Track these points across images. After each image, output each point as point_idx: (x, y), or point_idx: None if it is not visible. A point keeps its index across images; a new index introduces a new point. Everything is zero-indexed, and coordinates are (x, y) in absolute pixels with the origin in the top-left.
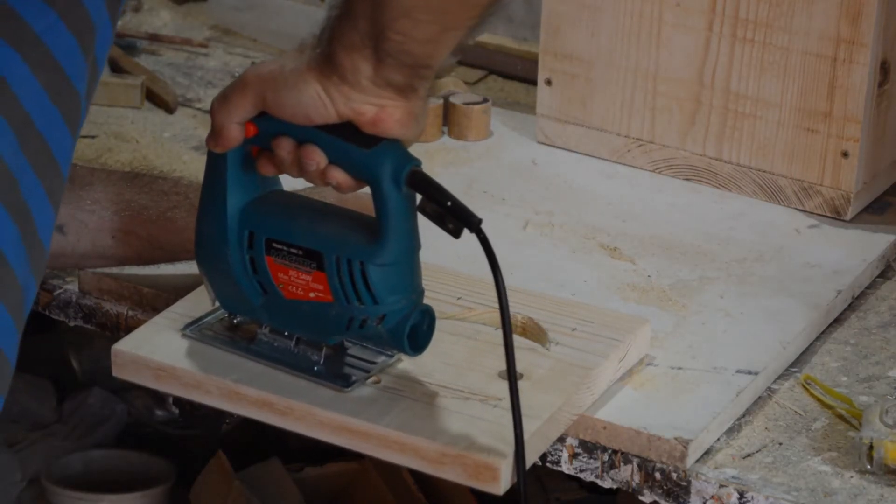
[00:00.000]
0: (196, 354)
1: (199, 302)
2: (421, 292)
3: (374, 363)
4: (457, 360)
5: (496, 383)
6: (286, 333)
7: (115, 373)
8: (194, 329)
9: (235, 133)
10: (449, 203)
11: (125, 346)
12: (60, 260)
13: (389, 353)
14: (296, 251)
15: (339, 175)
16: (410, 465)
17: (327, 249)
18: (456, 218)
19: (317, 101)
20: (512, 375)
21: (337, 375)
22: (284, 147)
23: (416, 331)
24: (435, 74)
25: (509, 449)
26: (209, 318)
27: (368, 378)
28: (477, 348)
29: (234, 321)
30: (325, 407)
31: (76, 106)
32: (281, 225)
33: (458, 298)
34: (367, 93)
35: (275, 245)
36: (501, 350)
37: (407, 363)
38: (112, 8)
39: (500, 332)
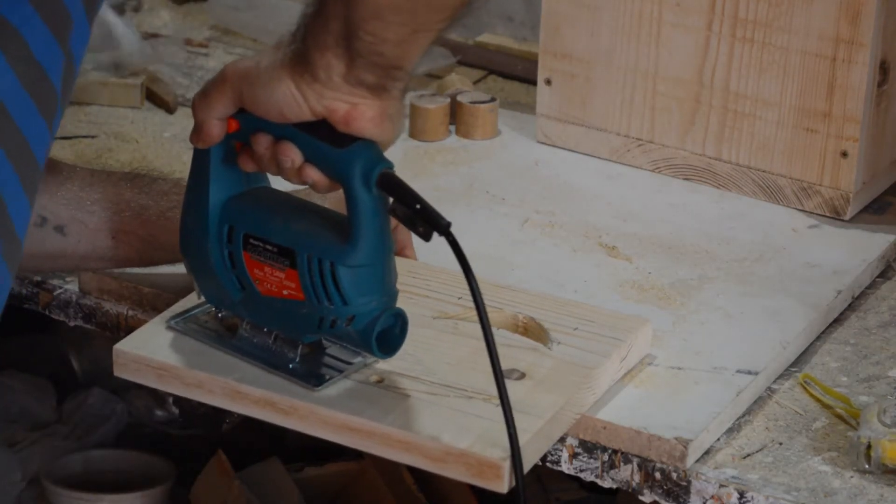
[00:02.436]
0: (198, 354)
1: (199, 303)
2: (393, 295)
3: (350, 363)
4: (459, 360)
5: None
6: (266, 329)
7: (117, 372)
8: (179, 321)
9: (216, 129)
10: (418, 206)
11: (127, 345)
12: (61, 261)
13: (363, 356)
14: (271, 248)
15: (313, 174)
16: (414, 464)
17: (300, 247)
18: (425, 221)
19: (290, 99)
20: (499, 377)
21: (310, 374)
22: (262, 143)
23: (387, 334)
24: (439, 76)
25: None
26: (196, 311)
27: (341, 377)
28: (479, 347)
29: (219, 315)
30: (328, 406)
31: (53, 99)
32: (259, 221)
33: (459, 298)
34: (339, 90)
35: (252, 241)
36: (503, 349)
37: (410, 362)
38: (89, 6)
39: (502, 332)
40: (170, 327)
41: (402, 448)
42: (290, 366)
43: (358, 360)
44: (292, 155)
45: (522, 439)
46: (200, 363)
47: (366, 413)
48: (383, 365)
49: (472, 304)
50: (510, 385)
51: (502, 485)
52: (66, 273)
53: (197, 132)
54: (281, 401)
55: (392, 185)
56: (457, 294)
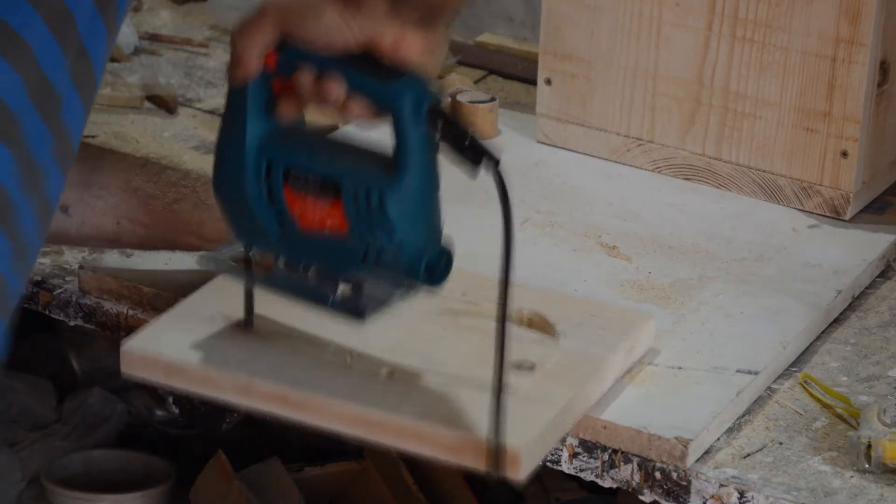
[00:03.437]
0: (207, 350)
1: (206, 300)
2: (439, 232)
3: (389, 299)
4: (468, 354)
5: (509, 373)
6: (302, 268)
7: (125, 369)
8: (210, 259)
9: (255, 62)
10: (467, 142)
11: (134, 343)
12: (62, 239)
13: (405, 289)
14: (313, 180)
15: (359, 108)
16: (429, 455)
17: (345, 178)
18: (474, 153)
19: (335, 28)
20: (502, 337)
21: (352, 308)
22: (306, 77)
23: (433, 266)
24: (439, 76)
25: (528, 436)
26: (226, 252)
27: (384, 308)
28: (486, 342)
29: (250, 254)
30: (341, 399)
31: (54, 102)
32: (300, 154)
33: (463, 294)
34: (384, 22)
35: (293, 174)
36: (510, 343)
37: (419, 357)
38: (102, 4)
39: (509, 326)
40: (200, 262)
41: (416, 439)
42: (330, 301)
43: (399, 292)
44: (337, 88)
45: (536, 430)
46: (210, 359)
47: (379, 405)
48: (393, 359)
49: (475, 301)
50: (521, 376)
51: (519, 473)
52: (65, 272)
53: (235, 64)
54: (293, 395)
55: (441, 118)
56: (460, 290)
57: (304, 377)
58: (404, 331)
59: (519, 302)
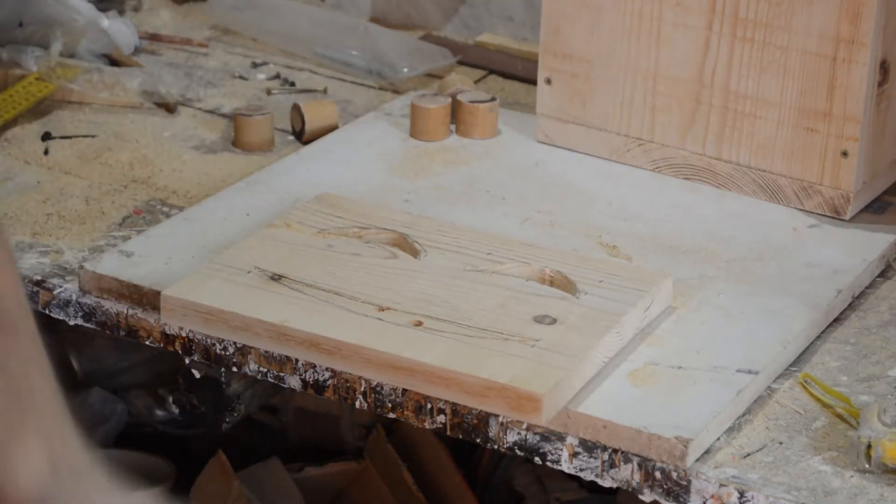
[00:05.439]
0: (244, 298)
1: (242, 254)
2: None
3: None
4: (493, 307)
5: (532, 326)
6: None
7: (164, 318)
8: None
9: None
10: None
11: (174, 291)
12: None
13: None
14: None
15: None
16: (455, 400)
17: None
18: None
19: None
20: None
21: None
22: None
23: None
24: (439, 76)
25: (551, 382)
26: None
27: None
28: (510, 297)
29: None
30: (372, 345)
31: None
32: None
33: (489, 254)
34: None
35: None
36: (534, 298)
37: (446, 308)
38: None
39: (531, 284)
40: None
41: (443, 385)
42: None
43: None
44: None
45: (559, 377)
46: (247, 306)
47: (408, 351)
48: (421, 310)
49: (500, 259)
50: (544, 329)
51: (540, 417)
52: (65, 272)
53: None
54: (326, 341)
55: None
56: (485, 250)
57: (336, 324)
58: (432, 285)
59: (541, 262)
